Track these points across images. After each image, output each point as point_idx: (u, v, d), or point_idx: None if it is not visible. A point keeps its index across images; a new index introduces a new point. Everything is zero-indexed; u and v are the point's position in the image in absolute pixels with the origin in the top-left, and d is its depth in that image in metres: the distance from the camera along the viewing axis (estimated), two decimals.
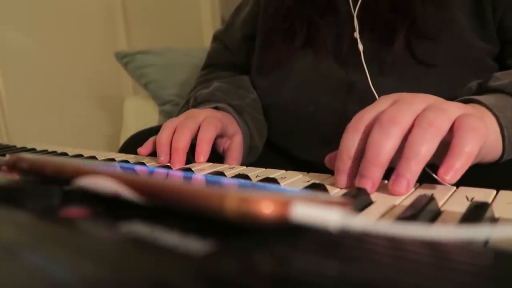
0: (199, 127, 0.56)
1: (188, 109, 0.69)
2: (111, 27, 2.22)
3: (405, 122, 0.34)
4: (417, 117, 0.34)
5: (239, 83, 0.72)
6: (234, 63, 0.80)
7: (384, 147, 0.33)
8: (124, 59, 1.76)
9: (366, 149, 0.34)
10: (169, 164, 0.52)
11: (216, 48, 0.83)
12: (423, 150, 0.32)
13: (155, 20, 2.34)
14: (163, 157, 0.54)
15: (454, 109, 0.35)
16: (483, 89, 0.51)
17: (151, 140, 0.58)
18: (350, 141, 0.37)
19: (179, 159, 0.52)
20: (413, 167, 0.32)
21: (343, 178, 0.37)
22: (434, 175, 0.35)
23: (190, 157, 0.59)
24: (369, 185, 0.34)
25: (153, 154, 0.57)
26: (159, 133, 0.56)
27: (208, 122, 0.56)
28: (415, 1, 0.58)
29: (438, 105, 0.35)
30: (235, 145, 0.62)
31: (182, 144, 0.53)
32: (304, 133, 0.66)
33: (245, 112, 0.66)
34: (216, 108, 0.64)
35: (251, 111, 0.67)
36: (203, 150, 0.54)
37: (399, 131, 0.33)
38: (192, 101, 0.68)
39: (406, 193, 0.33)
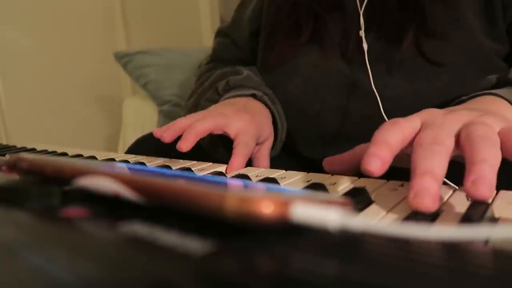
0: (224, 127, 0.54)
1: (215, 92, 0.66)
2: (110, 27, 2.22)
3: (448, 144, 0.31)
4: (461, 133, 0.32)
5: (257, 73, 0.71)
6: (241, 59, 0.78)
7: (435, 161, 0.29)
8: (123, 59, 1.76)
9: (413, 167, 0.30)
10: (169, 164, 0.51)
11: (221, 43, 0.81)
12: (491, 156, 0.29)
13: (154, 20, 2.34)
14: (166, 134, 0.49)
15: (494, 124, 0.32)
16: (503, 82, 0.51)
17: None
18: (390, 131, 0.33)
19: (189, 138, 0.48)
20: (491, 169, 0.28)
21: (376, 161, 0.30)
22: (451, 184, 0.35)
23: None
24: (428, 199, 0.28)
25: (157, 154, 0.57)
26: (182, 118, 0.52)
27: (245, 142, 0.53)
28: None
29: (479, 121, 0.32)
30: (264, 152, 0.60)
31: (200, 128, 0.49)
32: (308, 130, 0.66)
33: (275, 101, 0.65)
34: (253, 95, 0.63)
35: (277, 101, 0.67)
36: (240, 163, 0.50)
37: (445, 150, 0.31)
38: (223, 85, 0.65)
39: (491, 195, 0.28)
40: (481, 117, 0.33)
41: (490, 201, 0.31)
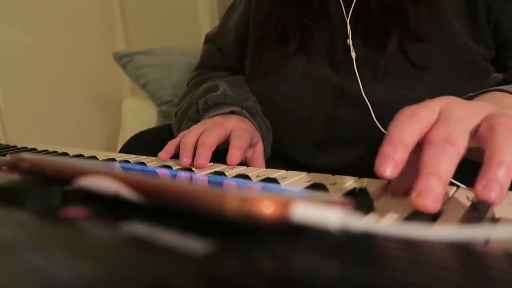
0: (227, 135, 0.55)
1: (195, 111, 0.67)
2: (109, 27, 2.22)
3: (460, 143, 0.30)
4: (481, 125, 0.30)
5: (239, 83, 0.71)
6: (228, 66, 0.79)
7: (444, 162, 0.28)
8: (123, 59, 1.76)
9: (421, 165, 0.29)
10: (172, 166, 0.51)
11: (209, 50, 0.82)
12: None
13: (153, 20, 2.34)
14: (185, 158, 0.51)
15: None
16: (510, 79, 0.50)
17: (171, 143, 0.55)
18: (407, 127, 0.31)
19: (205, 154, 0.50)
20: (506, 173, 0.27)
21: (391, 164, 0.30)
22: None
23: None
24: (431, 199, 0.27)
25: (151, 151, 0.57)
26: (185, 135, 0.54)
27: (239, 135, 0.55)
28: (407, 3, 0.57)
29: (502, 113, 0.30)
30: (258, 155, 0.62)
31: (210, 141, 0.51)
32: (298, 136, 0.66)
33: (257, 114, 0.66)
34: (232, 112, 0.64)
35: (259, 112, 0.67)
36: (237, 154, 0.51)
37: (455, 152, 0.29)
38: (202, 104, 0.66)
39: (501, 200, 0.27)
40: (504, 110, 0.32)
41: None
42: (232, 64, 0.79)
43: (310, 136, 0.64)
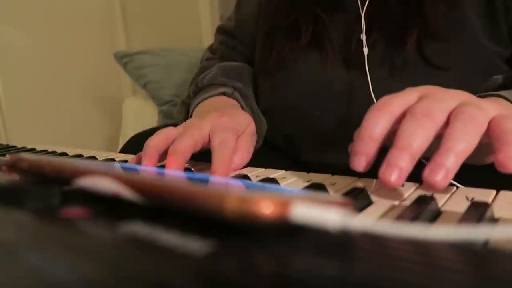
0: (205, 138, 0.47)
1: (187, 95, 0.65)
2: (110, 27, 2.22)
3: (439, 117, 0.31)
4: (453, 110, 0.32)
5: (240, 70, 0.69)
6: (247, 58, 0.76)
7: (418, 137, 0.30)
8: (123, 59, 1.76)
9: (396, 137, 0.31)
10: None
11: (228, 43, 0.79)
12: (464, 144, 0.29)
13: (154, 20, 2.34)
14: (146, 161, 0.43)
15: (490, 109, 0.32)
16: (509, 83, 0.50)
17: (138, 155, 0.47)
18: (374, 121, 0.33)
19: (176, 162, 0.42)
20: (453, 158, 0.29)
21: (362, 160, 0.33)
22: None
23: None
24: (395, 175, 0.30)
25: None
26: (151, 137, 0.46)
27: (220, 142, 0.45)
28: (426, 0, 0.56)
29: (474, 103, 0.32)
30: (241, 143, 0.50)
31: (181, 147, 0.43)
32: (308, 135, 0.64)
33: (250, 95, 0.63)
34: (223, 94, 0.61)
35: (253, 95, 0.65)
36: (223, 169, 0.43)
37: (433, 125, 0.31)
38: (193, 87, 0.64)
39: (444, 185, 0.29)
40: (480, 101, 0.34)
41: (490, 201, 0.31)
42: (250, 56, 0.75)
43: (319, 134, 0.63)
